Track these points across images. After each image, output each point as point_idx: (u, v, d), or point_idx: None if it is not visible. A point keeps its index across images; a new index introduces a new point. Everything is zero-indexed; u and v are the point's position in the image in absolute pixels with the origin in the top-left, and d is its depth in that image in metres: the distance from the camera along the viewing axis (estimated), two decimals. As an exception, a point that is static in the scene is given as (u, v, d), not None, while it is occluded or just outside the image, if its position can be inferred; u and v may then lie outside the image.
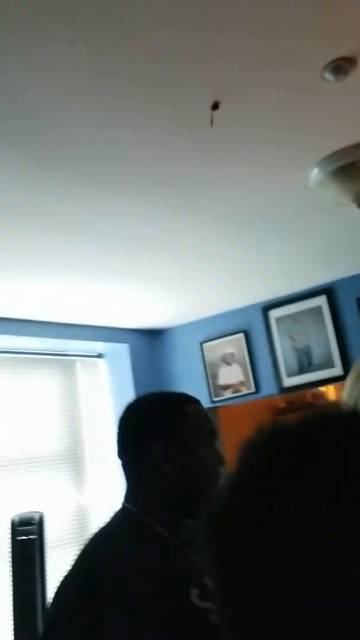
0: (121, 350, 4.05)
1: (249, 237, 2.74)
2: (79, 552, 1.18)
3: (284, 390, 3.82)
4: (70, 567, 1.15)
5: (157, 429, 1.26)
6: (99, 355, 4.11)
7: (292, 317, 3.79)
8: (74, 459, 3.72)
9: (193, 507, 1.21)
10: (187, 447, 1.25)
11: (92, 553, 1.17)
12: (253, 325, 3.91)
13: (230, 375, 3.96)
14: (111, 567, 1.07)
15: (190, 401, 1.33)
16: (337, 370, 3.60)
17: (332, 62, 1.56)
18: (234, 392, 3.95)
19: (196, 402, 1.34)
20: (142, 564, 1.08)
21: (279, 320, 3.83)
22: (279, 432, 0.52)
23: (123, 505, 1.26)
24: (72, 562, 1.16)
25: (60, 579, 1.14)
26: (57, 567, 3.05)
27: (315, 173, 2.15)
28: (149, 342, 4.22)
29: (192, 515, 1.22)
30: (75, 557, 1.16)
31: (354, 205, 2.19)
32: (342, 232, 2.83)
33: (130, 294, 3.33)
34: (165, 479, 1.22)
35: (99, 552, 1.16)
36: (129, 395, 3.94)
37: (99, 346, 3.98)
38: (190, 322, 4.15)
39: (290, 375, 3.78)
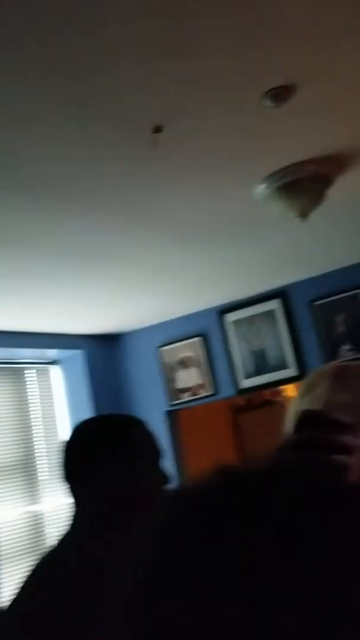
0: (76, 357, 4.04)
1: (201, 247, 2.79)
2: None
3: (241, 391, 3.89)
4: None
5: (103, 454, 1.29)
6: (53, 362, 4.09)
7: (247, 320, 3.86)
8: (27, 468, 3.68)
9: None
10: (134, 469, 1.29)
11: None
12: (210, 328, 3.97)
13: (189, 378, 4.01)
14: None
15: (135, 424, 1.36)
16: (292, 371, 3.70)
17: (271, 90, 1.60)
18: (192, 395, 4.00)
19: (142, 424, 1.38)
20: None
21: (235, 323, 3.90)
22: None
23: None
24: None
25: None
26: (12, 577, 3.08)
27: (260, 190, 2.21)
28: (105, 348, 4.22)
29: None
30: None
31: (298, 220, 2.25)
32: (293, 241, 2.90)
33: (85, 301, 3.34)
34: (113, 501, 1.25)
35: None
36: (85, 402, 3.95)
37: (52, 353, 3.96)
38: (147, 327, 4.18)
39: (247, 376, 3.85)
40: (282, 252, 3.08)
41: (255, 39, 1.40)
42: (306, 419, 0.73)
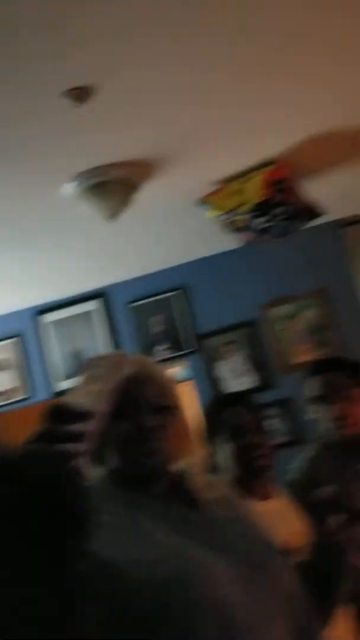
0: None
1: (13, 247, 2.68)
2: None
3: (58, 394, 3.82)
4: None
5: None
6: None
7: (66, 321, 3.80)
8: None
9: None
10: None
11: None
12: (26, 329, 3.84)
13: (2, 381, 3.84)
14: None
15: None
16: (110, 373, 3.70)
17: (71, 90, 1.58)
18: (6, 399, 3.84)
19: None
20: None
21: (53, 324, 3.81)
22: None
23: None
24: None
25: None
26: None
27: (70, 190, 2.18)
28: None
29: None
30: None
31: (107, 221, 2.26)
32: (107, 243, 2.91)
33: None
34: None
35: None
36: None
37: None
38: None
39: (65, 378, 3.79)
40: (97, 253, 3.07)
41: (51, 39, 1.37)
42: (50, 412, 0.77)
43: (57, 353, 3.81)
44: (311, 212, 2.57)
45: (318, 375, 1.97)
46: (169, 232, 3.00)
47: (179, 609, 0.85)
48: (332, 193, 2.88)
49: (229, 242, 2.88)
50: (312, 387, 1.98)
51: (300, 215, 2.51)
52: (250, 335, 3.50)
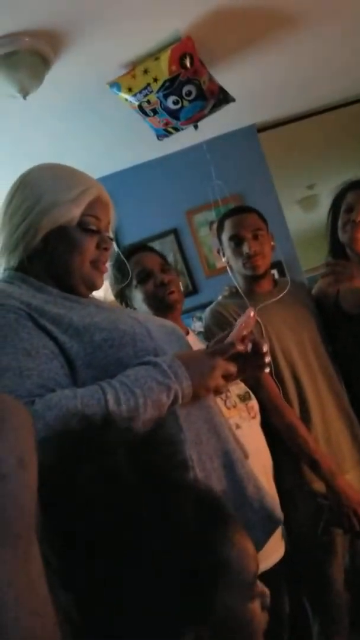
0: None
1: None
2: None
3: None
4: None
5: None
6: None
7: None
8: None
9: None
10: None
11: None
12: None
13: None
14: None
15: None
16: None
17: None
18: None
19: None
20: None
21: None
22: None
23: None
24: None
25: None
26: None
27: (-24, 58, 2.18)
28: None
29: None
30: None
31: (19, 96, 2.29)
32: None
33: None
34: None
35: None
36: None
37: None
38: None
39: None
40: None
41: None
42: None
43: None
44: (221, 94, 2.67)
45: (232, 217, 2.10)
46: (83, 120, 3.04)
47: None
48: (245, 91, 2.99)
49: (143, 144, 2.95)
50: (227, 228, 2.10)
51: (210, 96, 2.60)
52: (175, 243, 3.60)
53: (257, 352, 1.18)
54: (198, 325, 3.46)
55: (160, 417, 1.03)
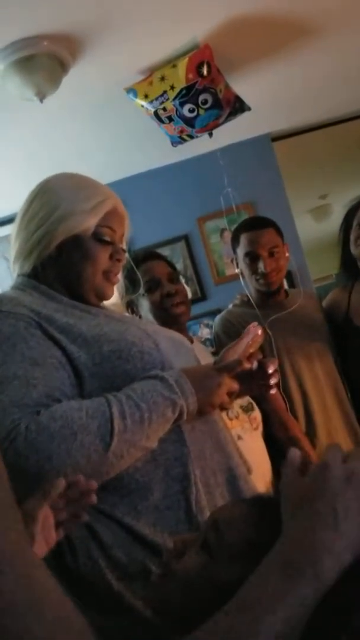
0: None
1: None
2: None
3: None
4: None
5: None
6: None
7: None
8: None
9: None
10: None
11: None
12: None
13: None
14: None
15: None
16: None
17: None
18: None
19: None
20: None
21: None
22: None
23: None
24: None
25: None
26: None
27: (-5, 61, 2.19)
28: None
29: None
30: None
31: (36, 99, 2.29)
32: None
33: None
34: None
35: None
36: None
37: None
38: None
39: None
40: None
41: None
42: None
43: None
44: (237, 103, 2.67)
45: (249, 232, 2.07)
46: (100, 122, 3.05)
47: None
48: (261, 100, 2.99)
49: (157, 149, 2.97)
50: (242, 244, 2.09)
51: (226, 105, 2.60)
52: (185, 249, 3.60)
53: (263, 372, 1.18)
54: (206, 332, 3.46)
55: (165, 432, 1.03)
